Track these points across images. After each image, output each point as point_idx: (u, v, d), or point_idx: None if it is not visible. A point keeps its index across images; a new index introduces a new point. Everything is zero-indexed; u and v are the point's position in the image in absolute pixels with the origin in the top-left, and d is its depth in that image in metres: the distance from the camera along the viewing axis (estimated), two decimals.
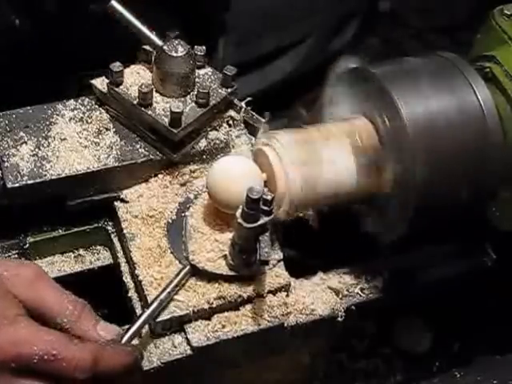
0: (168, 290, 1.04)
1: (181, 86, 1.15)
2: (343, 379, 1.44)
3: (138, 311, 1.09)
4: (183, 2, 1.53)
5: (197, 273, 1.07)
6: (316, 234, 1.16)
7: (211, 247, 1.08)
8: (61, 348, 0.92)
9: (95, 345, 0.95)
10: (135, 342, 1.06)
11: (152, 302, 1.03)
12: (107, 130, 1.16)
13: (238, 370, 1.18)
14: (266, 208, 1.00)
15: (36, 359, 0.91)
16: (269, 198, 0.99)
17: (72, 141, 1.14)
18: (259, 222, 1.00)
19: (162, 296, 1.04)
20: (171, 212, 1.13)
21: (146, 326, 1.07)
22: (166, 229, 1.12)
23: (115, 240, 1.17)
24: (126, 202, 1.15)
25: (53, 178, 1.10)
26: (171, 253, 1.10)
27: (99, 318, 1.01)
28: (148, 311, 1.03)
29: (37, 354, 0.91)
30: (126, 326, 1.06)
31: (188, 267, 1.07)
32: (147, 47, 1.17)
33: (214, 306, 1.07)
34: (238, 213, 1.00)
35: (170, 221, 1.13)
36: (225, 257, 1.07)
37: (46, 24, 1.37)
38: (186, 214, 1.12)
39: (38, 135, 1.14)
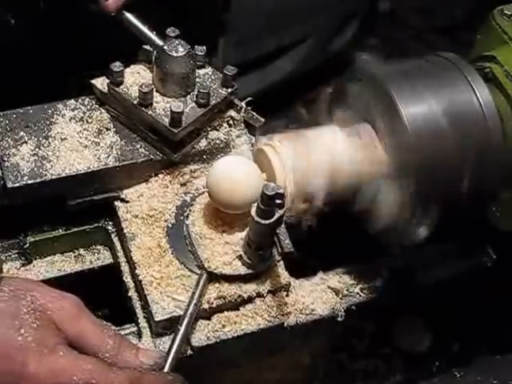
0: (194, 301, 1.04)
1: (181, 86, 1.15)
2: (343, 379, 1.44)
3: (138, 311, 1.09)
4: (183, 2, 1.53)
5: (214, 278, 1.07)
6: (316, 233, 1.16)
7: (224, 250, 1.08)
8: (100, 377, 0.92)
9: (134, 372, 0.95)
10: (135, 341, 1.06)
11: (183, 319, 1.02)
12: (107, 129, 1.16)
13: (238, 370, 1.18)
14: (279, 201, 1.00)
15: None
16: (282, 191, 1.00)
17: (72, 140, 1.14)
18: (275, 217, 1.00)
19: (190, 310, 1.03)
20: (170, 216, 1.13)
21: (147, 326, 1.08)
22: (166, 234, 1.12)
23: (115, 240, 1.17)
24: (127, 201, 1.15)
25: (53, 177, 1.10)
26: (181, 263, 1.09)
27: (139, 346, 1.02)
28: (182, 329, 1.02)
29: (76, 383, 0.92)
30: (129, 328, 1.07)
31: (205, 275, 1.07)
32: (147, 47, 1.17)
33: (213, 305, 1.07)
34: (253, 211, 1.01)
35: (170, 225, 1.13)
36: (239, 257, 1.08)
37: (43, 24, 1.37)
38: (187, 222, 1.12)
39: (39, 135, 1.14)
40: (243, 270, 1.07)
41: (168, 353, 1.00)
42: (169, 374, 0.98)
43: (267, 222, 1.01)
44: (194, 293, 1.05)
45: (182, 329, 1.02)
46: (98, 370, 0.93)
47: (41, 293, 0.97)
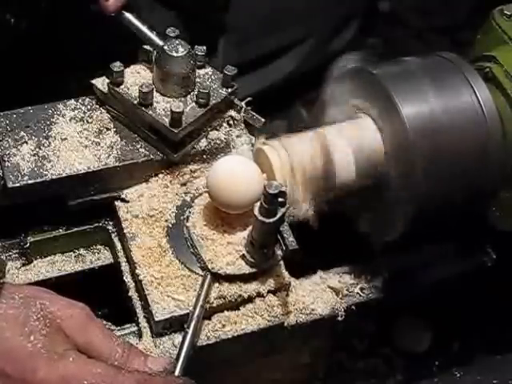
0: (200, 303, 1.04)
1: (181, 86, 1.15)
2: (343, 379, 1.44)
3: (138, 311, 1.09)
4: (183, 2, 1.53)
5: (219, 278, 1.07)
6: (316, 233, 1.16)
7: (226, 251, 1.08)
8: (110, 380, 0.93)
9: (143, 374, 0.95)
10: (135, 341, 1.06)
11: (190, 321, 1.03)
12: (108, 129, 1.16)
13: (238, 370, 1.18)
14: (281, 199, 1.00)
15: None
16: (284, 189, 1.00)
17: (72, 140, 1.14)
18: (279, 215, 1.01)
19: (197, 312, 1.03)
20: (170, 216, 1.13)
21: (147, 326, 1.08)
22: (166, 233, 1.12)
23: (116, 239, 1.17)
24: (127, 201, 1.15)
25: (53, 177, 1.10)
26: (181, 263, 1.09)
27: (147, 353, 1.02)
28: (190, 332, 1.02)
29: None
30: (129, 328, 1.07)
31: (209, 276, 1.07)
32: (147, 47, 1.18)
33: (214, 305, 1.07)
34: (256, 210, 1.01)
35: (170, 225, 1.13)
36: (243, 256, 1.08)
37: (43, 24, 1.37)
38: (188, 224, 1.12)
39: (39, 135, 1.14)
40: (247, 270, 1.07)
41: (177, 357, 1.00)
42: (179, 377, 0.98)
43: (271, 220, 1.01)
44: (199, 294, 1.05)
45: (190, 332, 1.02)
46: (107, 373, 0.93)
47: (50, 300, 0.97)
